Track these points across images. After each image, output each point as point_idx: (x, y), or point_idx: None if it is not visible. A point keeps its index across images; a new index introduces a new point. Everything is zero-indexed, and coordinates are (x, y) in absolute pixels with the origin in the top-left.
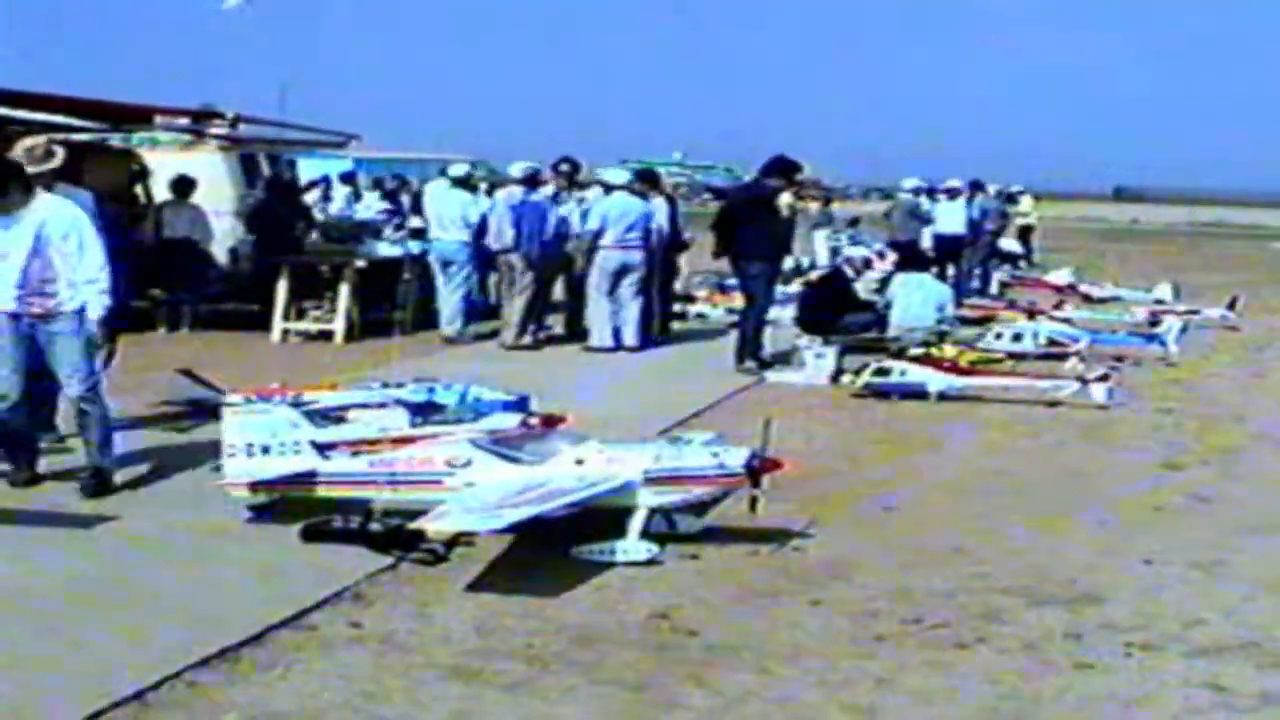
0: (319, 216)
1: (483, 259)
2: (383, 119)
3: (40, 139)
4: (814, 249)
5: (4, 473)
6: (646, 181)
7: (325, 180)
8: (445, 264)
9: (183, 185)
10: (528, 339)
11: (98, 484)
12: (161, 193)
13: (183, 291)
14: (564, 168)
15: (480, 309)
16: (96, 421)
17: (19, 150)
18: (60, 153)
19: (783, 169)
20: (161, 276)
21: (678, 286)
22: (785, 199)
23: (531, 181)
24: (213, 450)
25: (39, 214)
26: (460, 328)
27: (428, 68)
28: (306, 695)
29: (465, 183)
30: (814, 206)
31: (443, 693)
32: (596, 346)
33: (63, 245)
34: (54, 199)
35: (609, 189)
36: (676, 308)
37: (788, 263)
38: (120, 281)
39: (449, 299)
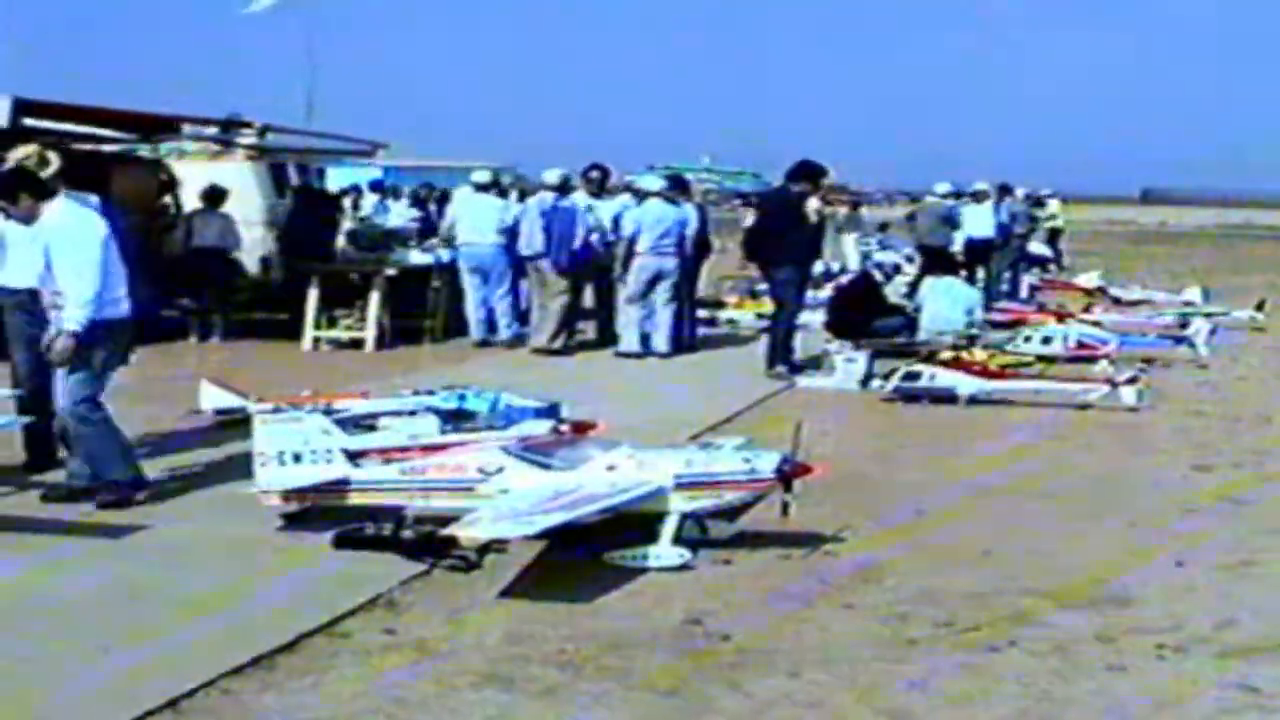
0: (348, 225)
1: (514, 264)
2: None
3: (32, 147)
4: (844, 253)
5: (38, 484)
6: (677, 188)
7: (355, 189)
8: (477, 270)
9: (214, 195)
10: (559, 343)
11: (66, 494)
12: (191, 202)
13: (213, 301)
14: (594, 174)
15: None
16: (81, 441)
17: (11, 160)
18: (55, 159)
19: (808, 174)
20: (191, 285)
21: (701, 291)
22: (814, 204)
23: (563, 188)
24: (244, 459)
25: (48, 222)
26: (516, 329)
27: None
28: (340, 702)
29: (492, 188)
30: (842, 211)
31: (476, 699)
32: (626, 352)
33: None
34: (64, 205)
35: (643, 196)
36: (704, 313)
37: (817, 267)
38: (136, 291)
39: (497, 304)
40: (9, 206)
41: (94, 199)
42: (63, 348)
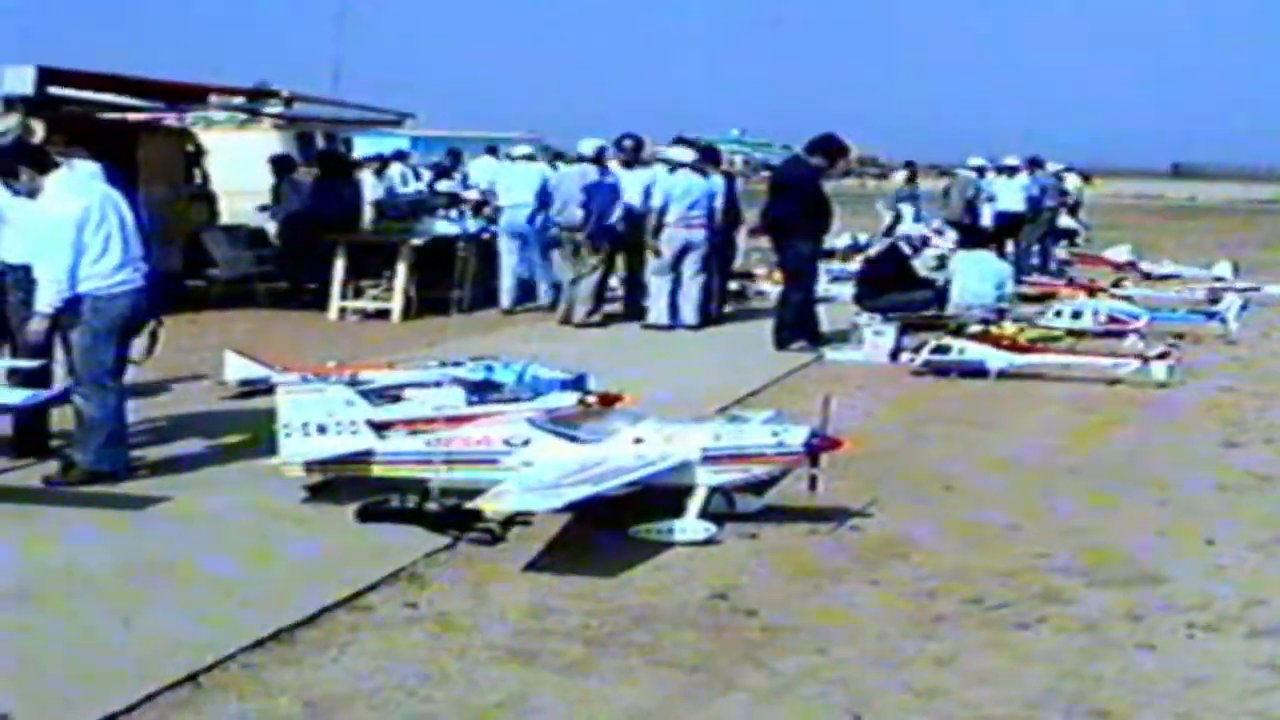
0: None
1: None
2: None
3: (12, 118)
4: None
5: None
6: (709, 160)
7: (380, 158)
8: (517, 236)
9: (285, 163)
10: (596, 317)
11: (61, 470)
12: (218, 173)
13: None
14: (627, 144)
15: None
16: (85, 419)
17: None
18: (39, 128)
19: (826, 148)
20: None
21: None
22: (902, 175)
23: (600, 159)
24: (268, 430)
25: (49, 193)
26: (551, 294)
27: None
28: (361, 677)
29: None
30: (898, 175)
31: (499, 674)
32: (655, 324)
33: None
34: (61, 179)
35: (673, 167)
36: (734, 286)
37: (844, 238)
38: (149, 264)
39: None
40: (11, 181)
41: (94, 166)
42: (33, 329)
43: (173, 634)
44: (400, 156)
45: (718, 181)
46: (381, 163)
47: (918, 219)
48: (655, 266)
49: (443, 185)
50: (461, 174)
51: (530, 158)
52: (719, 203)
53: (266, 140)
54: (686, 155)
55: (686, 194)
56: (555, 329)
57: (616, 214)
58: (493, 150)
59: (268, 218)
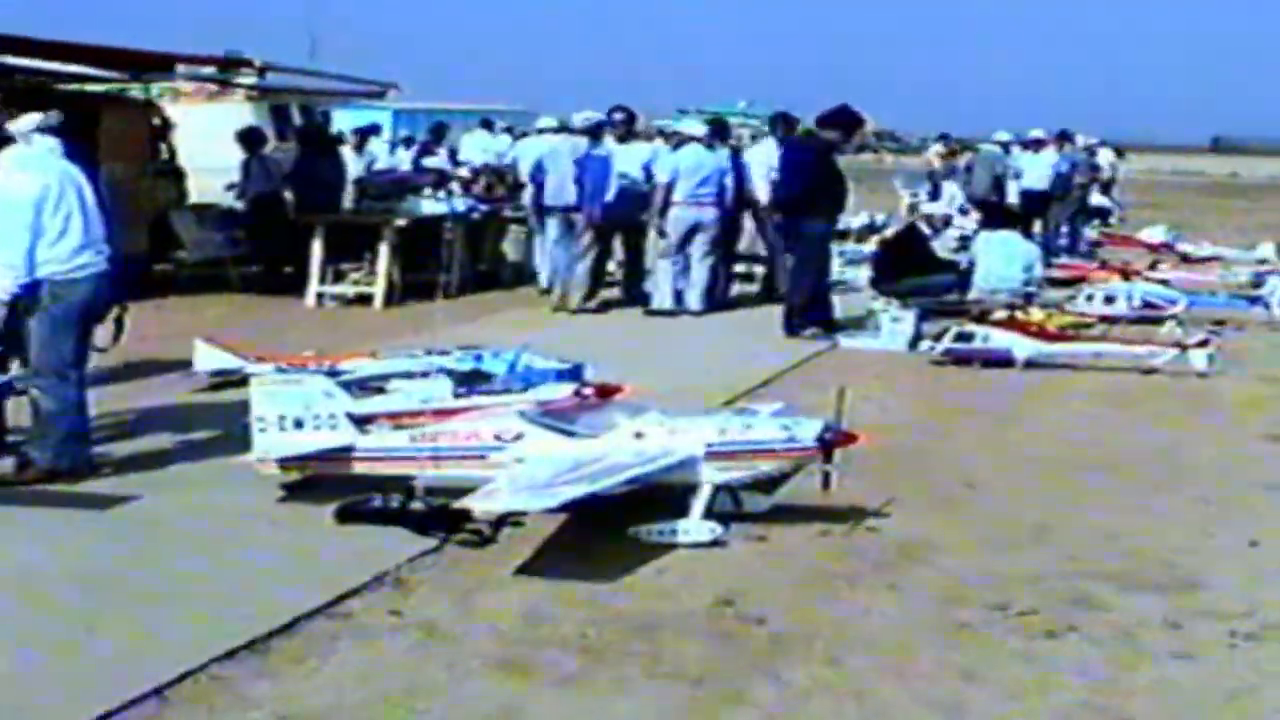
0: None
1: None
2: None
3: None
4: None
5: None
6: (717, 132)
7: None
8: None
9: (254, 138)
10: (592, 303)
11: (17, 468)
12: (186, 147)
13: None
14: (618, 117)
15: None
16: (43, 413)
17: None
18: None
19: (841, 121)
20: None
21: (742, 246)
22: (937, 149)
23: (595, 133)
24: (240, 425)
25: (3, 171)
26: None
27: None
28: (341, 690)
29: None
30: (936, 160)
31: (489, 687)
32: (658, 310)
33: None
34: (21, 153)
35: (679, 141)
36: (741, 268)
37: (861, 218)
38: (113, 246)
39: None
40: None
41: (53, 141)
42: None
43: (138, 643)
44: (374, 131)
45: (725, 156)
46: (361, 137)
47: (935, 197)
48: (661, 249)
49: (429, 161)
50: (449, 149)
51: (566, 129)
52: (730, 180)
53: (238, 113)
54: (696, 128)
55: (697, 169)
56: (550, 316)
57: (611, 190)
58: (488, 124)
59: (234, 197)
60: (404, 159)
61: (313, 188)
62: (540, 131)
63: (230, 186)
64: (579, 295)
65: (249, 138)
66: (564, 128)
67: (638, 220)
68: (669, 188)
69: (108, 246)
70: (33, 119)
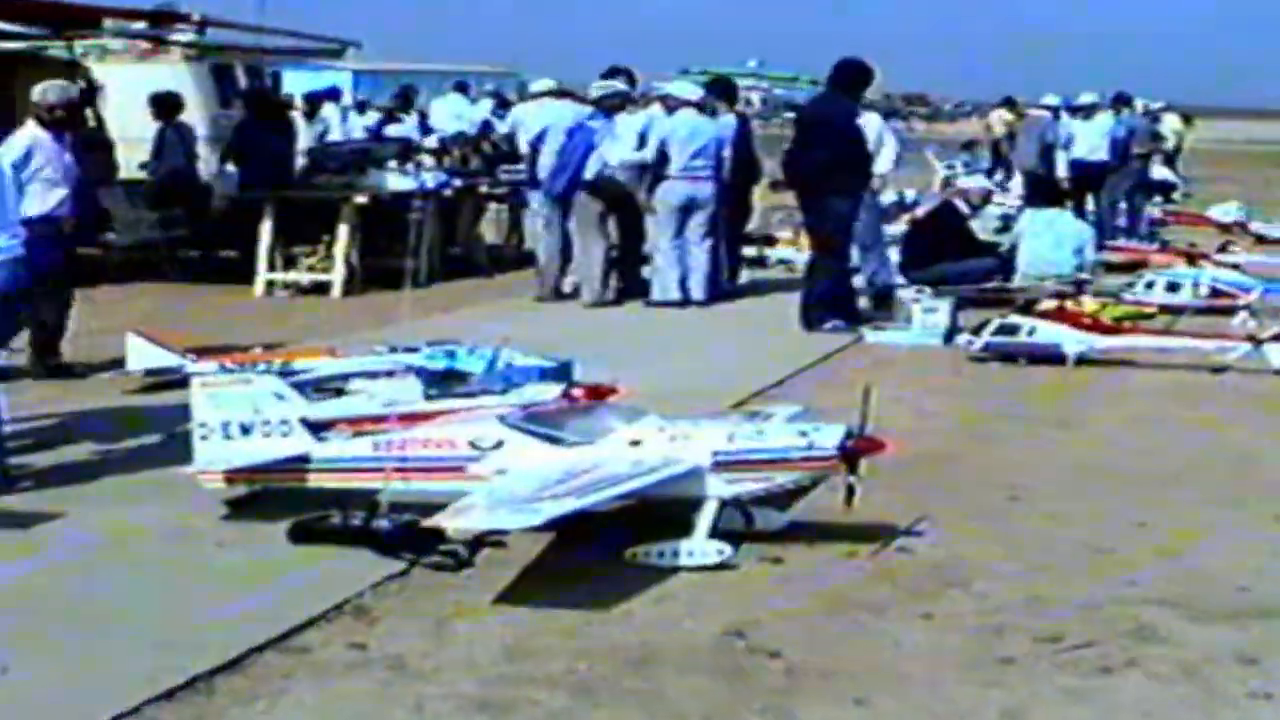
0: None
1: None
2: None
3: None
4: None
5: None
6: (720, 96)
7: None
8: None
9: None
10: (610, 295)
11: None
12: (116, 114)
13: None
14: (620, 85)
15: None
16: None
17: None
18: None
19: (848, 77)
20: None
21: (752, 226)
22: (1001, 115)
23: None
24: (180, 431)
25: None
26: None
27: None
28: None
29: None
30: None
31: None
32: (661, 300)
33: None
34: None
35: (674, 106)
36: (751, 251)
37: (889, 195)
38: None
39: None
40: None
41: None
42: None
43: (61, 682)
44: (333, 96)
45: (729, 123)
46: (312, 103)
47: (996, 171)
48: (654, 230)
49: (392, 129)
50: (419, 115)
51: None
52: (728, 151)
53: (174, 75)
54: (691, 91)
55: (692, 138)
56: (534, 307)
57: (591, 168)
58: (462, 87)
59: (148, 174)
60: (358, 126)
61: (260, 160)
62: (535, 96)
63: (144, 165)
64: (596, 287)
65: (163, 103)
66: (565, 93)
67: (632, 199)
68: (661, 160)
69: (23, 229)
70: None
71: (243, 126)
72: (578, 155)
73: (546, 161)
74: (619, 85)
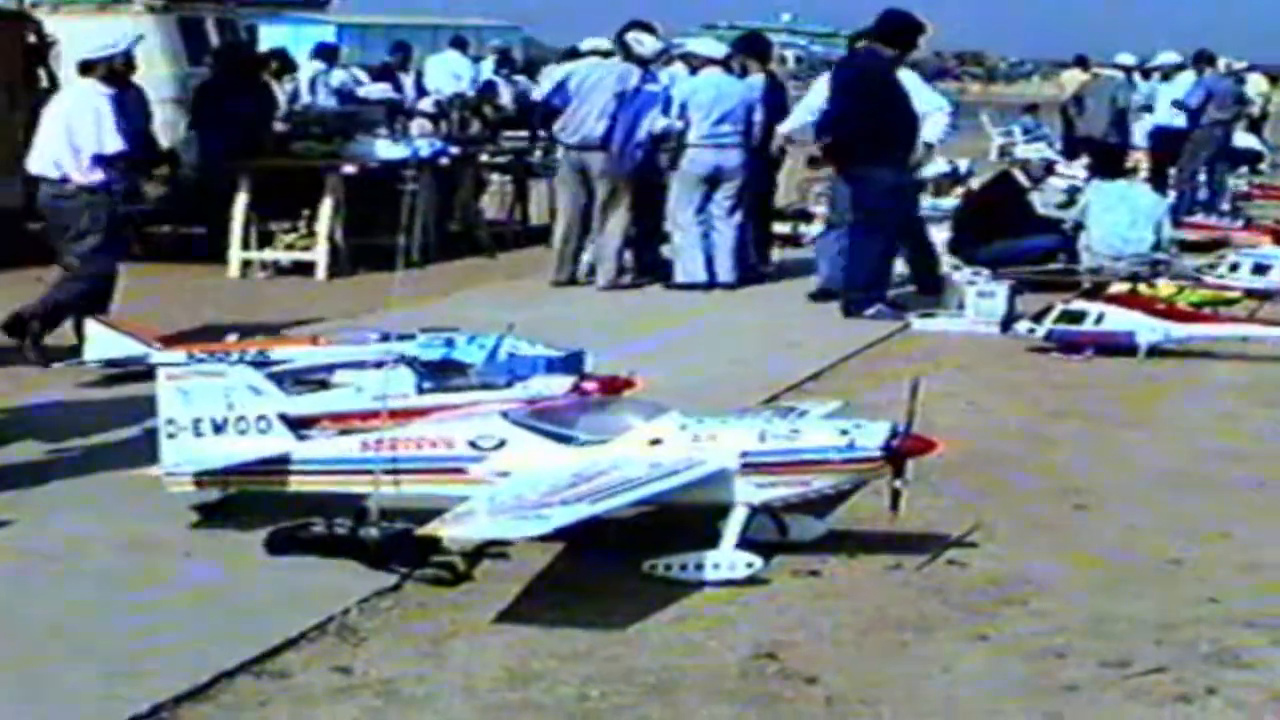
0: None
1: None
2: None
3: None
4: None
5: None
6: (751, 53)
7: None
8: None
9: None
10: (628, 278)
11: None
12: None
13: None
14: (644, 37)
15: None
16: None
17: None
18: None
19: (893, 30)
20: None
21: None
22: (1075, 75)
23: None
24: (145, 429)
25: None
26: None
27: None
28: None
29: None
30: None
31: None
32: (685, 283)
33: None
34: None
35: (696, 65)
36: (785, 229)
37: (941, 166)
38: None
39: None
40: None
41: None
42: None
43: (10, 711)
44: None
45: (758, 83)
46: (282, 63)
47: (1035, 138)
48: (675, 204)
49: (368, 90)
50: (416, 73)
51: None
52: (759, 115)
53: (135, 29)
54: (714, 47)
55: (718, 101)
56: (542, 291)
57: (644, 131)
58: (460, 43)
59: None
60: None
61: (232, 125)
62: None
63: None
64: (611, 269)
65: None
66: (609, 52)
67: (651, 172)
68: (682, 128)
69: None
70: None
71: (205, 87)
72: (643, 122)
73: (591, 126)
74: (656, 42)
